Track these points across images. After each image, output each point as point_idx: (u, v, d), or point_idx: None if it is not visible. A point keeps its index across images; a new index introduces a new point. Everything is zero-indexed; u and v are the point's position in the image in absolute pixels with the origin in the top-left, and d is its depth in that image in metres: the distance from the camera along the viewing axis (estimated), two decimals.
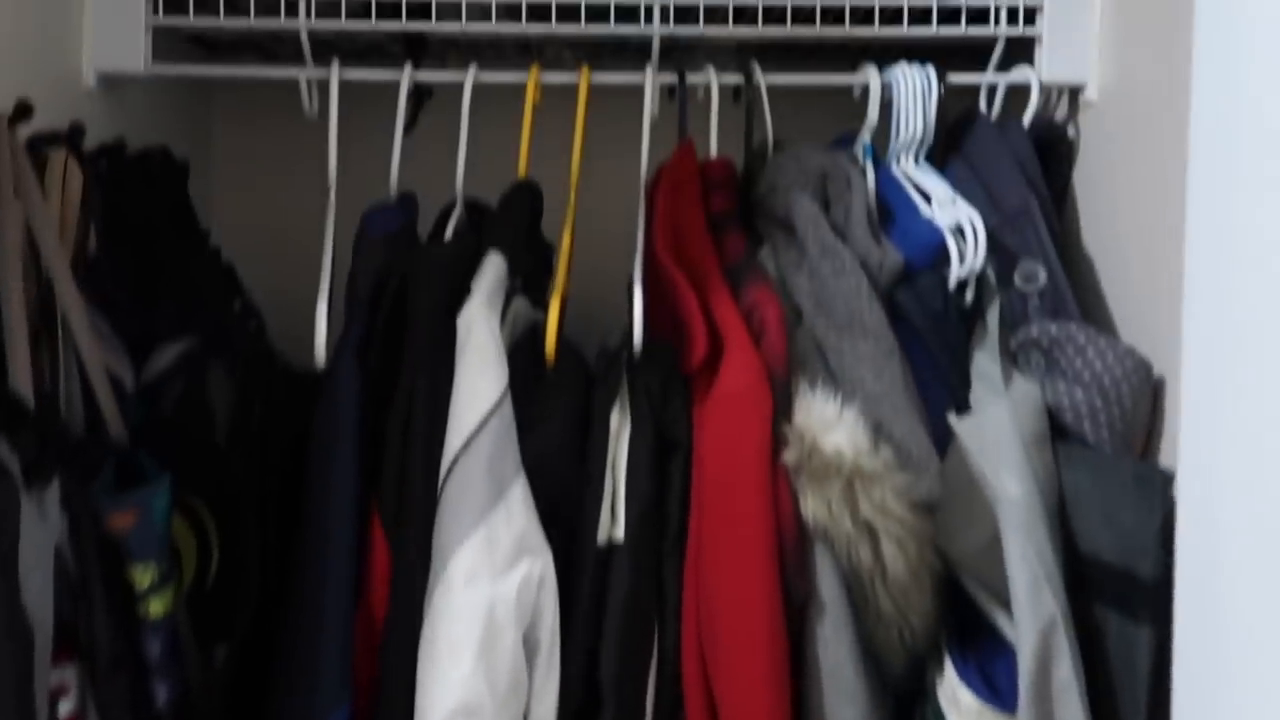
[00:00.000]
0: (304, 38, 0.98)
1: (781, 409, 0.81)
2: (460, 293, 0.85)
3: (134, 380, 0.84)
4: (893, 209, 0.96)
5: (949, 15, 1.01)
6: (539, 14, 1.00)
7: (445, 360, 0.82)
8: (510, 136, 0.98)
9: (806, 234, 0.89)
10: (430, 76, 1.00)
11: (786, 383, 0.83)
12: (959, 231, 0.91)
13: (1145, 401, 0.85)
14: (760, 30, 1.01)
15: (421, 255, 0.88)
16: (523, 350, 0.86)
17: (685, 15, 1.01)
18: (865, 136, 1.00)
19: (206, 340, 0.86)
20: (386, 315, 0.86)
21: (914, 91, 0.98)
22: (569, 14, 1.00)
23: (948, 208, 0.93)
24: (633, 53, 1.07)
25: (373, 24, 0.99)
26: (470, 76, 0.97)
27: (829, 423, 0.79)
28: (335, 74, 0.97)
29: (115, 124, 1.00)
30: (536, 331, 0.87)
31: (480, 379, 0.78)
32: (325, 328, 0.85)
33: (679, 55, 1.09)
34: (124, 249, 0.89)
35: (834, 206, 0.94)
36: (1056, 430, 0.85)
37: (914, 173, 0.99)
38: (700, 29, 1.01)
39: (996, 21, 1.01)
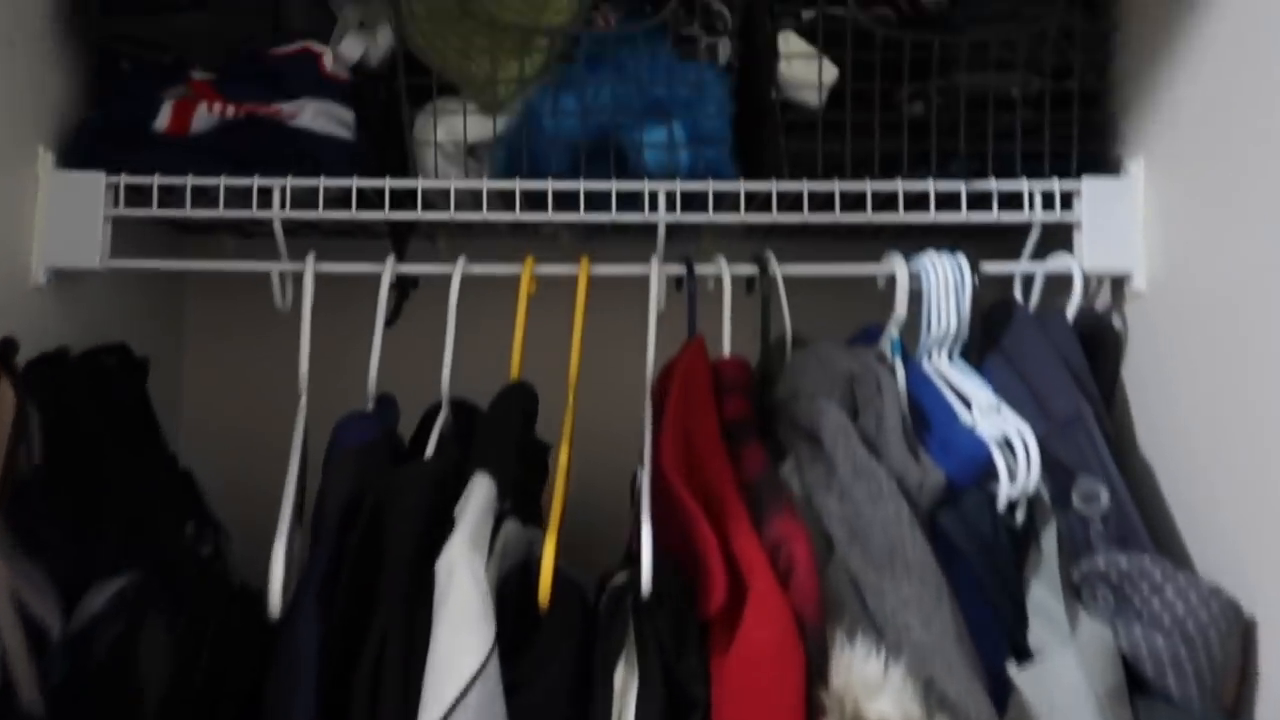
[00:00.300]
0: (277, 228, 0.90)
1: (815, 663, 0.69)
2: (443, 521, 0.74)
3: (62, 627, 0.72)
4: (928, 414, 0.86)
5: (979, 199, 0.94)
6: (534, 201, 0.93)
7: (423, 605, 0.70)
8: (503, 325, 0.89)
9: (836, 449, 0.79)
10: (415, 269, 0.91)
11: (820, 631, 0.71)
12: (1006, 444, 0.81)
13: (1234, 647, 0.73)
14: (775, 216, 0.93)
15: (399, 477, 0.77)
16: (513, 588, 0.75)
17: (692, 201, 0.93)
18: (893, 331, 0.91)
19: (147, 578, 0.74)
20: (357, 545, 0.75)
21: (945, 283, 0.90)
22: (567, 201, 0.92)
23: (992, 416, 0.83)
24: (636, 231, 0.99)
25: (353, 214, 0.91)
26: (458, 269, 0.89)
27: (872, 686, 0.67)
28: (310, 268, 0.88)
29: (70, 318, 0.91)
30: (528, 567, 0.75)
31: (462, 638, 0.67)
32: (282, 570, 0.73)
33: (686, 234, 1.01)
34: (63, 469, 0.78)
35: (863, 413, 0.84)
36: (1134, 681, 0.73)
37: (949, 371, 0.90)
38: (709, 215, 0.93)
39: (1031, 206, 0.93)
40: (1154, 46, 0.91)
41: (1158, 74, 0.90)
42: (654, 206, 0.92)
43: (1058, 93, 0.94)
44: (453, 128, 0.93)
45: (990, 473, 0.80)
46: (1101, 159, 0.95)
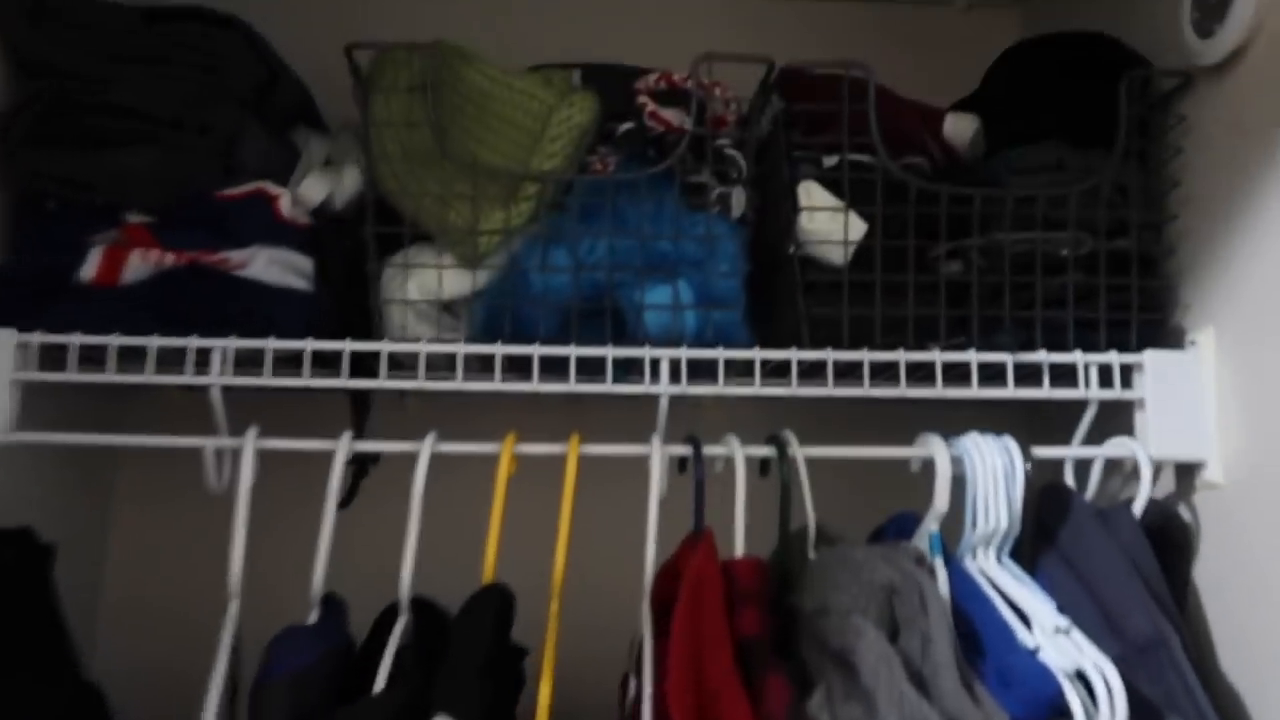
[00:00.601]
0: (215, 397, 0.77)
1: None
2: None
3: None
4: (979, 632, 0.73)
5: (1027, 372, 0.82)
6: (518, 366, 0.80)
7: None
8: (479, 500, 0.75)
9: (877, 686, 0.65)
10: (374, 446, 0.78)
11: None
12: (1079, 676, 0.67)
13: None
14: (794, 389, 0.81)
15: None
16: None
17: (699, 369, 0.81)
18: (932, 526, 0.78)
19: None
20: None
21: (993, 472, 0.77)
22: (555, 367, 0.80)
23: (1059, 641, 0.70)
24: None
25: (305, 380, 0.79)
26: (426, 449, 0.76)
27: None
28: (249, 446, 0.75)
29: None
30: None
31: None
32: None
33: (692, 402, 0.89)
34: None
35: (905, 633, 0.70)
36: None
37: (998, 576, 0.77)
38: (719, 387, 0.81)
39: (1086, 382, 0.82)
40: (1221, 204, 0.81)
41: (1226, 234, 0.80)
42: (655, 376, 0.80)
43: (1112, 254, 0.83)
44: (426, 283, 0.82)
45: (1061, 711, 0.67)
46: (1160, 329, 0.84)
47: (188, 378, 0.77)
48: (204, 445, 0.76)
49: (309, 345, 0.78)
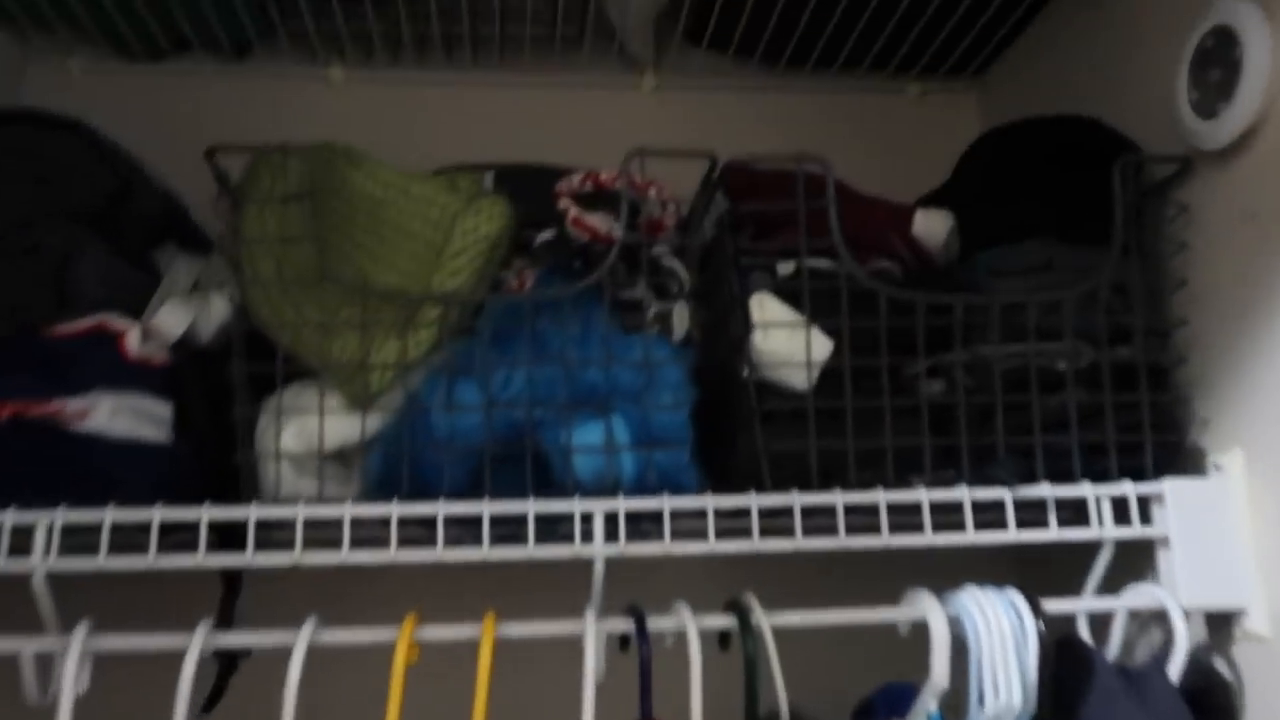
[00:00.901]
0: (39, 586, 0.61)
1: None
2: None
3: None
4: None
5: (1028, 509, 0.70)
6: (421, 528, 0.66)
7: None
8: (373, 686, 0.61)
9: None
10: (240, 640, 0.63)
11: None
12: None
13: None
14: (756, 543, 0.67)
15: None
16: None
17: (641, 523, 0.67)
18: (930, 704, 0.64)
19: None
20: None
21: (999, 636, 0.64)
22: (465, 529, 0.66)
23: None
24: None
25: (151, 560, 0.63)
26: (303, 641, 0.61)
27: None
28: (75, 649, 0.59)
29: None
30: None
31: None
32: None
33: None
34: None
35: None
36: None
37: None
38: (665, 544, 0.67)
39: (1100, 520, 0.69)
40: (1234, 304, 0.70)
41: (1242, 339, 0.69)
42: (588, 534, 0.66)
43: (1116, 366, 0.71)
44: (306, 430, 0.67)
45: None
46: (1178, 451, 0.72)
47: (1, 562, 0.61)
48: (20, 650, 0.60)
49: (156, 514, 0.63)
